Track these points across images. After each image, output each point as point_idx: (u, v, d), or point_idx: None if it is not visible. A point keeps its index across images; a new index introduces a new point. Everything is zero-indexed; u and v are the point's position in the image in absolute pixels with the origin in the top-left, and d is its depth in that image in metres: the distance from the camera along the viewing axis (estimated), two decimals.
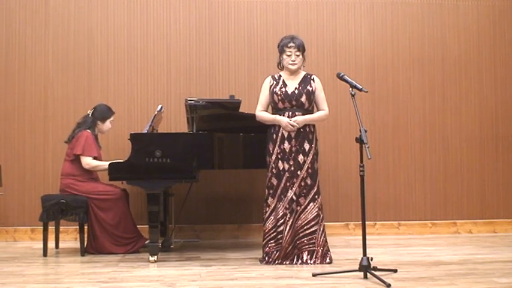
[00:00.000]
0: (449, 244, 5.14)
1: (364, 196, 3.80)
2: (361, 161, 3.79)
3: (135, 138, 4.43)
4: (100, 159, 4.85)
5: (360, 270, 3.70)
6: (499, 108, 5.90)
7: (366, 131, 3.73)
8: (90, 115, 4.90)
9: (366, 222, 3.83)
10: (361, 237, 3.78)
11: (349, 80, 3.99)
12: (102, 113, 4.92)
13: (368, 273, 3.66)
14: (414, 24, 5.87)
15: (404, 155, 5.79)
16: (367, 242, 3.78)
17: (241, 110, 4.87)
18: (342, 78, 4.05)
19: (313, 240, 4.25)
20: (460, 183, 5.82)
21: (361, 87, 3.92)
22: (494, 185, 5.84)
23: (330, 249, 4.36)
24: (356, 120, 4.14)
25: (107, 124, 4.94)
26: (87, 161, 4.75)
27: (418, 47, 5.86)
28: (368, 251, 3.76)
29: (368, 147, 3.63)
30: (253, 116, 4.85)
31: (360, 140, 3.73)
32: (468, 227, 5.78)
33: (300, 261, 4.23)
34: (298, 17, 5.77)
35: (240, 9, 5.73)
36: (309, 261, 4.21)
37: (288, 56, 4.34)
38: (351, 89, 3.92)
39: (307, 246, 4.25)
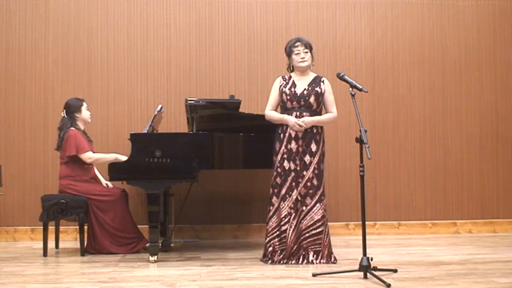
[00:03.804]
0: (449, 244, 5.14)
1: (364, 196, 3.79)
2: (361, 161, 3.79)
3: (135, 138, 4.42)
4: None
5: (360, 270, 3.69)
6: (499, 108, 5.91)
7: (366, 131, 3.73)
8: (64, 115, 4.87)
9: (366, 222, 3.83)
10: (361, 237, 3.78)
11: (349, 80, 3.99)
12: (73, 105, 4.88)
13: (368, 273, 3.66)
14: (414, 24, 5.87)
15: (404, 155, 5.79)
16: (367, 242, 3.77)
17: (241, 110, 4.87)
18: (342, 78, 4.05)
19: (319, 241, 4.25)
20: (460, 183, 5.82)
21: (361, 87, 3.92)
22: (494, 185, 5.85)
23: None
24: (356, 120, 4.14)
25: (84, 112, 4.90)
26: (88, 156, 4.74)
27: (418, 47, 5.86)
28: (368, 251, 3.76)
29: (368, 147, 3.63)
30: (253, 116, 4.88)
31: (360, 140, 3.73)
32: (468, 227, 5.78)
33: (305, 261, 4.23)
34: (298, 17, 5.77)
35: (240, 9, 5.74)
36: (314, 262, 4.21)
37: (297, 54, 4.35)
38: (350, 89, 3.92)
39: (313, 247, 4.25)
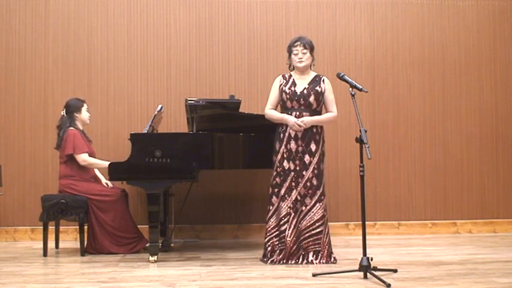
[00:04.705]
0: (449, 244, 5.14)
1: (364, 196, 3.79)
2: (361, 161, 3.79)
3: (135, 138, 4.42)
4: (93, 155, 4.85)
5: (360, 270, 3.69)
6: (499, 108, 5.91)
7: (366, 131, 3.73)
8: (64, 114, 4.89)
9: (366, 222, 3.83)
10: (361, 237, 3.78)
11: (349, 80, 3.99)
12: (73, 105, 4.90)
13: (368, 273, 3.66)
14: (414, 24, 5.87)
15: (404, 155, 5.79)
16: (367, 242, 3.77)
17: (241, 110, 4.87)
18: (342, 78, 4.05)
19: (319, 241, 4.25)
20: (460, 184, 5.82)
21: (361, 87, 3.92)
22: (494, 185, 5.85)
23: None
24: (356, 120, 4.14)
25: (84, 113, 4.92)
26: (83, 158, 4.75)
27: (418, 47, 5.86)
28: (368, 251, 3.76)
29: (368, 147, 3.63)
30: (253, 116, 4.88)
31: (360, 140, 3.73)
32: (468, 227, 5.78)
33: (305, 261, 4.23)
34: (298, 17, 5.77)
35: (240, 9, 5.73)
36: (314, 262, 4.21)
37: (295, 54, 4.36)
38: (350, 89, 3.92)
39: (313, 247, 4.25)
